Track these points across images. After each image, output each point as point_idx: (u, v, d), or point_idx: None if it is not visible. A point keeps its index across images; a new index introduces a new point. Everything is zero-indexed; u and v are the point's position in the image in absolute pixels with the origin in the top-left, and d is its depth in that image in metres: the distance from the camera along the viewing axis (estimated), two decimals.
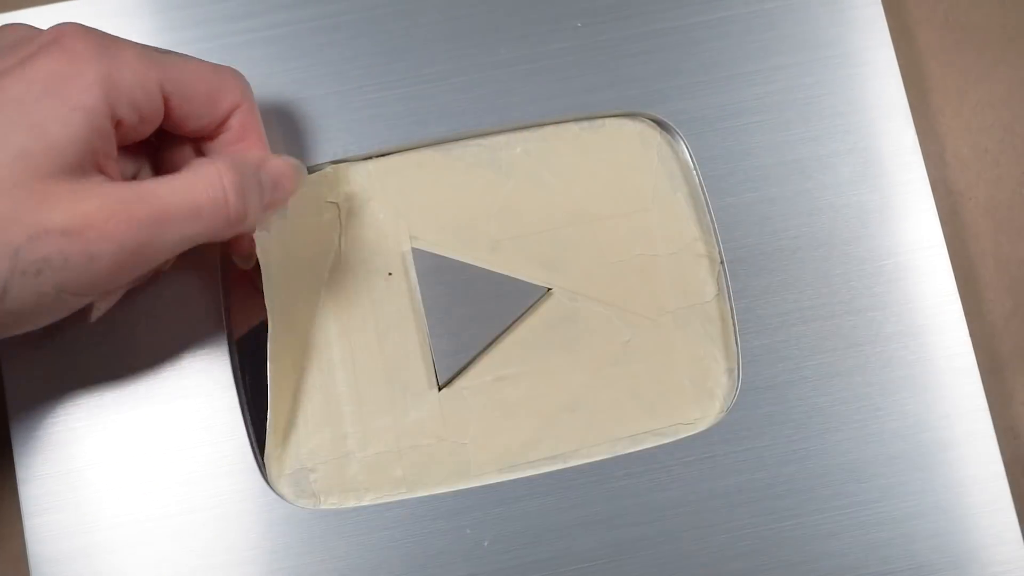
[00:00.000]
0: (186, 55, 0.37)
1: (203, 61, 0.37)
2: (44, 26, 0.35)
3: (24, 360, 0.40)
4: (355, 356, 0.41)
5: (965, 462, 0.41)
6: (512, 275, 0.42)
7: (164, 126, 0.37)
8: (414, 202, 0.42)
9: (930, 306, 0.41)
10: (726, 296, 0.42)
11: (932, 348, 0.41)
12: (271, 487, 0.40)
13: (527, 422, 0.41)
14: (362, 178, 0.42)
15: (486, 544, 0.39)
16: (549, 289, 0.42)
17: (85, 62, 0.33)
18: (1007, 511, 0.40)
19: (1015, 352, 0.44)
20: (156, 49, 0.36)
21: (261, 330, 0.40)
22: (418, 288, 0.41)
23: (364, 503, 0.40)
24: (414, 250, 0.42)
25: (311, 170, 0.42)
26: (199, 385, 0.40)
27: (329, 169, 0.42)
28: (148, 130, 0.36)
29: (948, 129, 0.46)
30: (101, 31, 0.35)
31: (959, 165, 0.45)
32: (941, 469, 0.41)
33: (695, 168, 0.42)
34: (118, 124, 0.34)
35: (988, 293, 0.43)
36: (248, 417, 0.40)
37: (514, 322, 0.41)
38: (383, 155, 0.43)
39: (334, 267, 0.42)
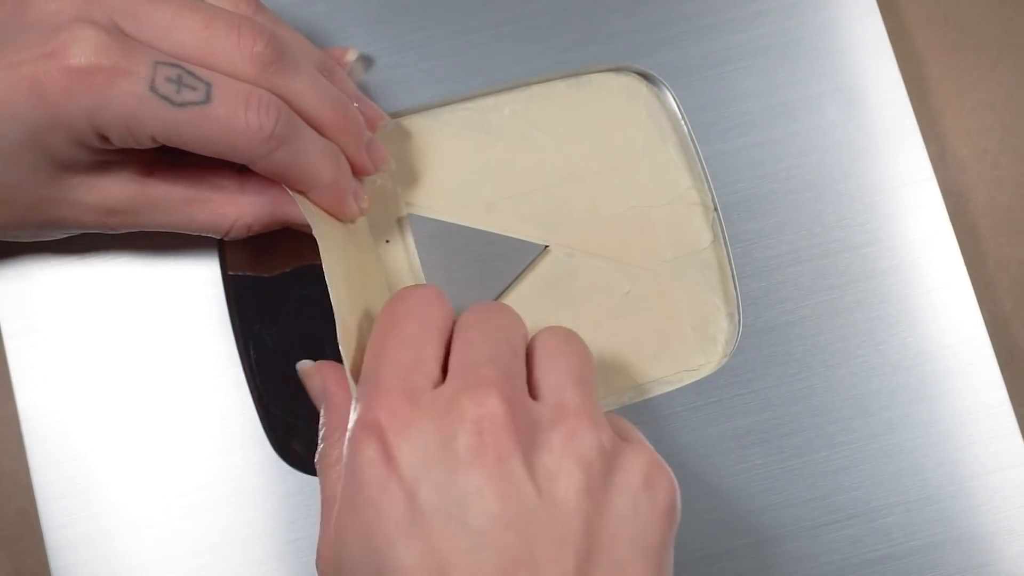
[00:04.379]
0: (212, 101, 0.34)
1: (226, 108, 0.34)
2: None
3: (30, 346, 0.40)
4: (359, 327, 0.41)
5: (969, 390, 0.41)
6: (509, 235, 0.42)
7: None
8: (407, 169, 0.42)
9: (924, 238, 0.42)
10: (722, 242, 0.42)
11: (929, 280, 0.42)
12: None
13: None
14: None
15: None
16: (546, 246, 0.42)
17: (74, 94, 0.33)
18: (1013, 436, 0.41)
19: (1016, 352, 0.44)
20: (189, 78, 0.33)
21: (261, 304, 0.41)
22: (416, 253, 0.42)
23: None
24: (410, 216, 0.42)
25: None
26: (204, 362, 0.40)
27: None
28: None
29: (948, 130, 0.46)
30: (125, 44, 0.33)
31: (959, 166, 0.45)
32: (945, 398, 0.41)
33: (683, 117, 0.43)
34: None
35: (988, 293, 0.43)
36: (255, 390, 0.40)
37: (513, 281, 0.42)
38: None
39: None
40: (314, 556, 0.39)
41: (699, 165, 0.42)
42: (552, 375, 0.34)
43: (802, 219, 0.42)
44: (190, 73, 0.33)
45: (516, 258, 0.42)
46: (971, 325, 0.41)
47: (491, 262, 0.42)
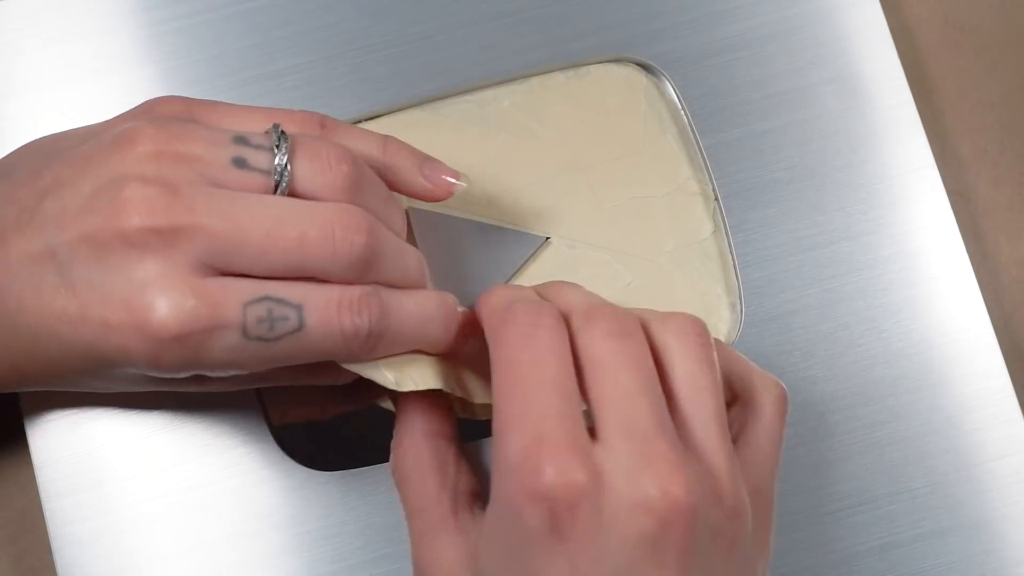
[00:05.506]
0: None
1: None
2: None
3: None
4: None
5: (972, 377, 0.41)
6: (510, 227, 0.42)
7: None
8: None
9: (926, 226, 0.42)
10: (723, 232, 0.42)
11: (931, 268, 0.42)
12: None
13: None
14: None
15: None
16: (547, 238, 0.42)
17: (163, 359, 0.32)
18: (1017, 422, 0.41)
19: (1017, 351, 0.44)
20: (279, 308, 0.32)
21: None
22: (418, 247, 0.42)
23: (379, 464, 0.40)
24: (411, 209, 0.42)
25: None
26: None
27: None
28: None
29: (947, 130, 0.45)
30: (212, 295, 0.32)
31: (959, 166, 0.45)
32: (949, 386, 0.41)
33: (683, 108, 0.43)
34: None
35: (988, 293, 0.43)
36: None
37: (515, 273, 0.42)
38: (372, 118, 0.43)
39: None
40: (319, 549, 0.39)
41: (699, 155, 0.42)
42: (698, 422, 0.32)
43: (803, 208, 0.42)
44: (279, 302, 0.32)
45: (517, 250, 0.42)
46: (973, 312, 0.41)
47: (492, 254, 0.42)
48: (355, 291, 0.33)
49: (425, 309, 0.35)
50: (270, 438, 0.40)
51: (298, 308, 0.32)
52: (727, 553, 0.31)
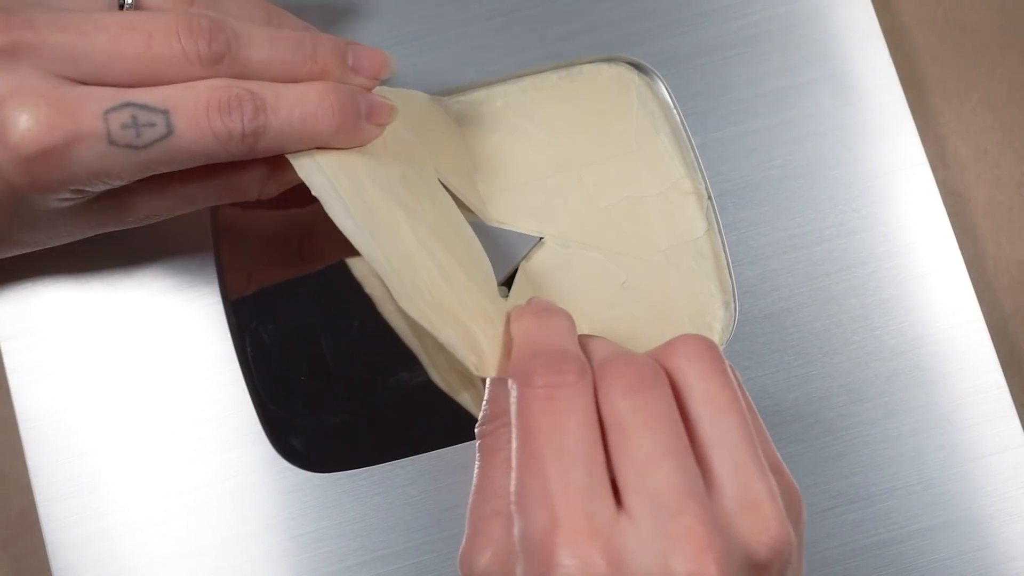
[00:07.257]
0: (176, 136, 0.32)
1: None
2: None
3: (27, 348, 0.40)
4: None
5: (965, 373, 0.41)
6: (503, 227, 0.42)
7: None
8: None
9: (918, 223, 0.42)
10: (716, 230, 0.42)
11: (924, 265, 0.42)
12: None
13: None
14: None
15: None
16: (541, 238, 0.42)
17: (38, 177, 0.32)
18: (1010, 418, 0.41)
19: (1016, 352, 0.44)
20: (143, 114, 0.32)
21: (257, 301, 0.41)
22: None
23: (375, 466, 0.40)
24: None
25: None
26: (201, 360, 0.40)
27: None
28: None
29: (948, 131, 0.46)
30: (68, 103, 0.31)
31: (959, 166, 0.45)
32: (942, 383, 0.41)
33: (675, 107, 0.43)
34: None
35: (988, 294, 0.43)
36: (253, 388, 0.40)
37: (509, 274, 0.42)
38: None
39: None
40: (316, 551, 0.39)
41: (692, 154, 0.42)
42: (726, 447, 0.30)
43: (796, 206, 0.42)
44: (143, 107, 0.31)
45: (511, 250, 0.42)
46: (966, 309, 0.41)
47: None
48: (224, 91, 0.32)
49: (307, 105, 0.34)
50: (265, 441, 0.40)
51: (164, 113, 0.32)
52: None
